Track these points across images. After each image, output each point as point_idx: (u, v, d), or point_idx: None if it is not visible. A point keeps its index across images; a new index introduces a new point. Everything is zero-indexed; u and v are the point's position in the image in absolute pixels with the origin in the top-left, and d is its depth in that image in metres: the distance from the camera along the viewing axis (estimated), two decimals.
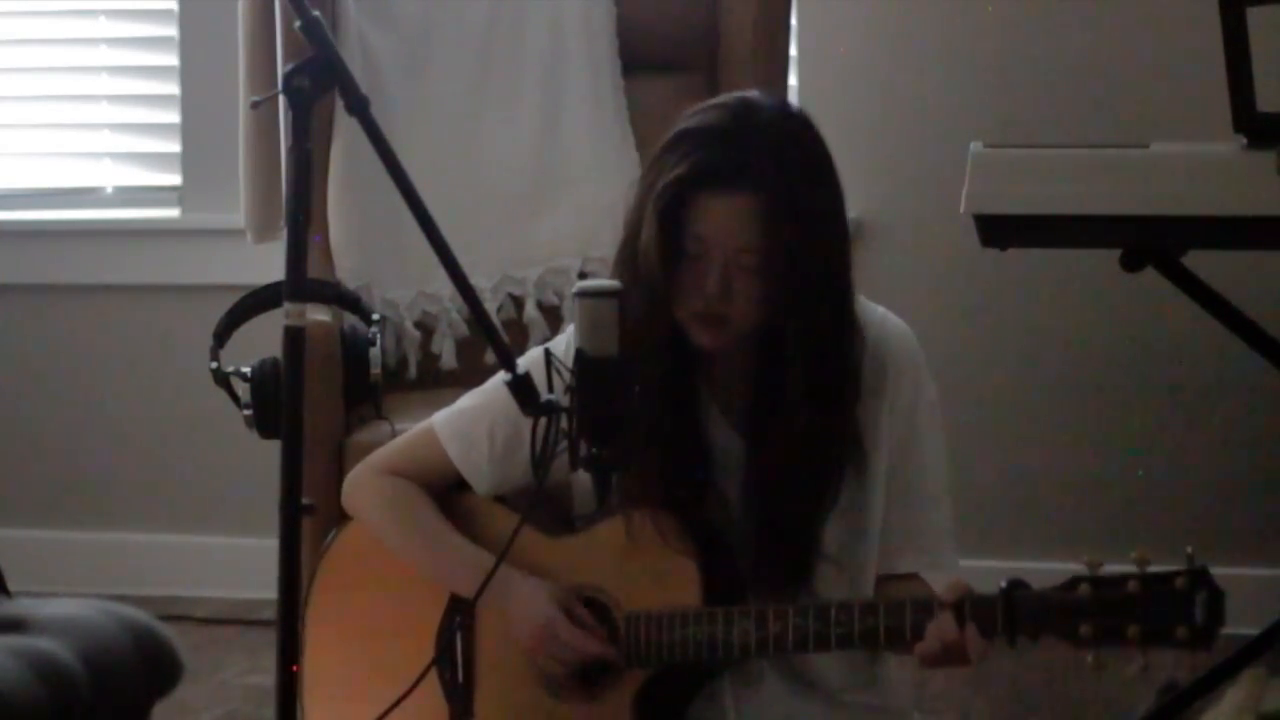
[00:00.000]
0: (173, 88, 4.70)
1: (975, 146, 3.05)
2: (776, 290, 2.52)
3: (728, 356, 2.61)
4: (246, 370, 2.99)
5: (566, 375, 2.38)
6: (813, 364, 2.54)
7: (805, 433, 2.55)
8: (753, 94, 2.59)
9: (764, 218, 2.49)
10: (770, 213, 2.49)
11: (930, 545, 2.66)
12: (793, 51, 4.02)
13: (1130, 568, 2.37)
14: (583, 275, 3.75)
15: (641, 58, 3.89)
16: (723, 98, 2.60)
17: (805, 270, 2.51)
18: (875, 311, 2.68)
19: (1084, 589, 2.38)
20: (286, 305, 2.22)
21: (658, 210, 2.53)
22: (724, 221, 2.51)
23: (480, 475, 2.70)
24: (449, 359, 3.79)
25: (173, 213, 4.73)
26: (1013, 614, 2.41)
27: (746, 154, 2.51)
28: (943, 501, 2.68)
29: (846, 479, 2.60)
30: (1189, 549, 2.38)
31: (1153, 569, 2.36)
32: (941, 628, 2.43)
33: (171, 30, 4.69)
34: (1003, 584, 2.43)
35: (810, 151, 2.56)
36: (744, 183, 2.50)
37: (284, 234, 2.27)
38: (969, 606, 2.43)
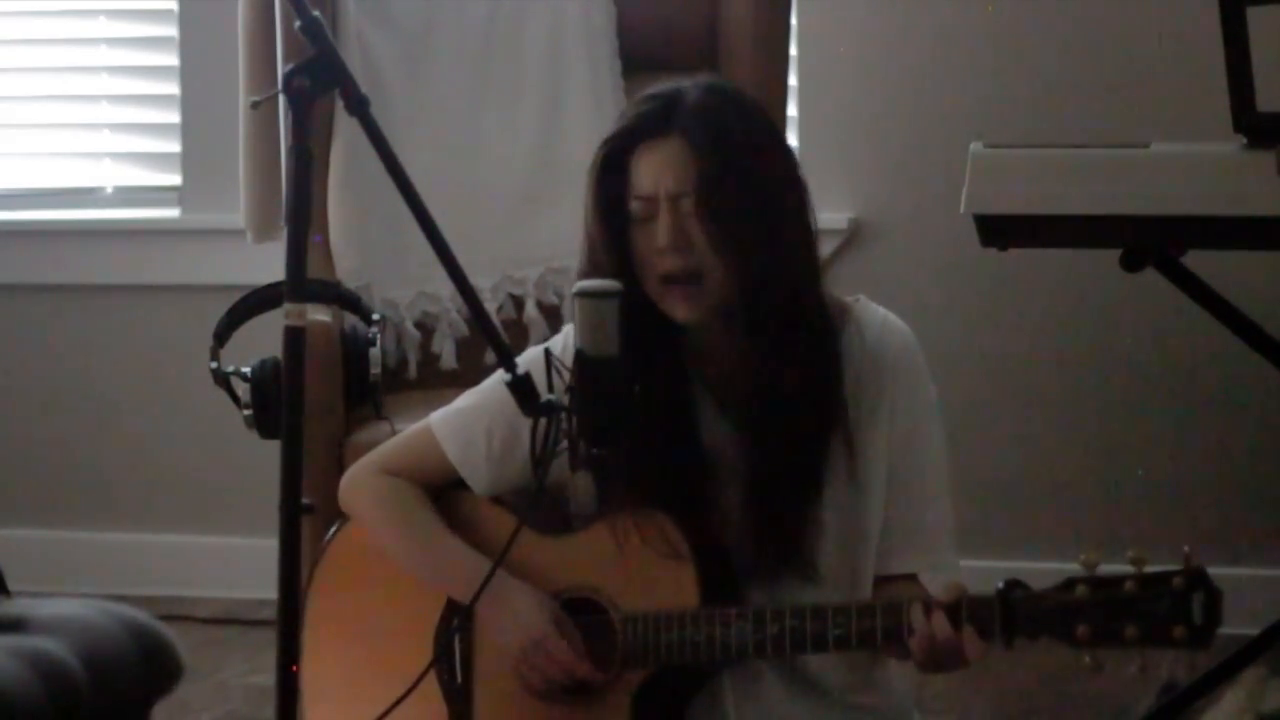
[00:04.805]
0: (173, 88, 4.70)
1: (975, 146, 3.05)
2: (727, 232, 2.52)
3: (721, 353, 2.61)
4: (246, 370, 2.99)
5: (566, 375, 2.38)
6: (792, 339, 2.55)
7: (800, 424, 2.55)
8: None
9: (695, 156, 2.53)
10: (699, 150, 2.53)
11: (929, 546, 2.65)
12: (793, 51, 4.02)
13: (1127, 568, 2.37)
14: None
15: (641, 58, 3.89)
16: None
17: (749, 205, 2.53)
18: (876, 313, 2.68)
19: (1081, 590, 2.38)
20: (286, 305, 2.22)
21: (594, 176, 2.58)
22: (657, 169, 2.55)
23: (478, 475, 2.70)
24: (449, 359, 3.78)
25: (173, 213, 4.73)
26: (1010, 615, 2.41)
27: (672, 106, 2.57)
28: (943, 502, 2.67)
29: (843, 480, 2.60)
30: (1186, 548, 2.38)
31: (1150, 569, 2.37)
32: (936, 626, 2.43)
33: (171, 30, 4.69)
34: (999, 584, 2.43)
35: (740, 100, 2.61)
36: (671, 128, 2.55)
37: (284, 234, 2.27)
38: (966, 607, 2.43)
